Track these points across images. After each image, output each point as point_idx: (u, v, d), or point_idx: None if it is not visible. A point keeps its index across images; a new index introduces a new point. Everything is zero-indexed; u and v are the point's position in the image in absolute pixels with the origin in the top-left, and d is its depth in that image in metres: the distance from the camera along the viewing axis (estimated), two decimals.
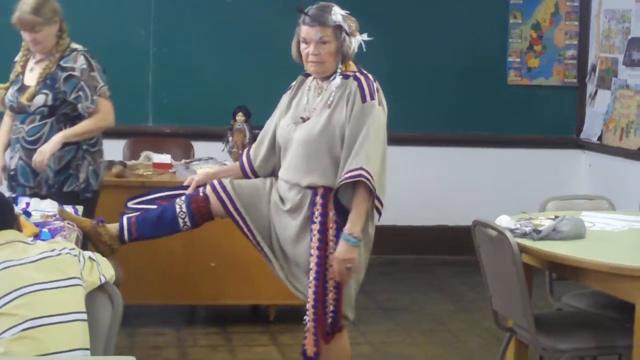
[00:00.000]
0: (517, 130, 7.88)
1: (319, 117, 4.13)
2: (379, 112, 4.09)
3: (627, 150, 7.30)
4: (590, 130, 7.78)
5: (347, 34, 4.11)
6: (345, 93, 4.10)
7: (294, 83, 4.33)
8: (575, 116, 7.94)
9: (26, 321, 2.99)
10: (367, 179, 3.98)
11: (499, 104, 7.85)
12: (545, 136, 7.95)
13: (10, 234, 3.18)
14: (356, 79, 4.12)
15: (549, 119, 7.93)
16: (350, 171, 4.01)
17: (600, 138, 7.66)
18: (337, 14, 4.11)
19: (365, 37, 4.19)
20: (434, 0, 7.68)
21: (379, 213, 4.13)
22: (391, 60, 7.51)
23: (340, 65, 4.14)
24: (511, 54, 7.83)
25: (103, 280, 3.29)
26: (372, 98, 4.08)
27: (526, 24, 7.83)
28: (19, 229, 3.28)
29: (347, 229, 4.04)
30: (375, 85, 4.14)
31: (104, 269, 3.33)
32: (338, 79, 4.13)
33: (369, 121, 4.05)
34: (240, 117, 5.94)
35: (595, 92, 7.76)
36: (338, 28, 4.10)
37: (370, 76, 4.17)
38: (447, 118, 7.77)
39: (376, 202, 4.06)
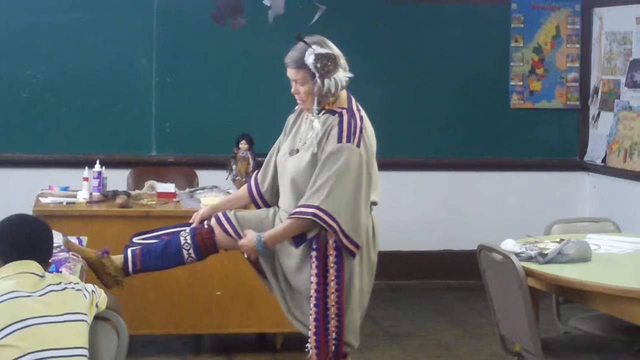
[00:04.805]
0: (520, 154, 7.87)
1: (305, 152, 4.18)
2: (351, 155, 4.07)
3: (632, 172, 7.29)
4: (594, 152, 7.78)
5: (320, 75, 4.10)
6: (327, 130, 4.13)
7: (297, 107, 4.38)
8: (578, 138, 7.94)
9: (28, 354, 2.98)
10: (321, 219, 4.02)
11: (502, 128, 7.85)
12: (549, 159, 7.94)
13: (27, 264, 3.17)
14: (340, 116, 4.13)
15: (552, 142, 7.92)
16: (305, 207, 4.06)
17: (604, 160, 7.65)
18: (311, 54, 4.11)
19: (347, 74, 4.18)
20: (435, 24, 7.69)
21: (353, 255, 4.12)
22: (393, 85, 7.53)
23: (315, 107, 4.14)
24: (513, 77, 7.84)
25: (95, 311, 3.29)
26: (349, 140, 4.08)
27: (527, 47, 7.85)
28: (45, 263, 3.25)
29: (265, 235, 4.14)
30: (360, 125, 4.13)
31: (100, 300, 3.33)
32: (317, 123, 4.15)
33: (338, 163, 4.06)
34: (243, 145, 5.95)
35: (598, 114, 7.76)
36: (310, 70, 4.12)
37: (357, 114, 4.16)
38: (450, 142, 7.77)
39: (346, 242, 4.06)
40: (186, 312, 5.65)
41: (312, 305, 4.10)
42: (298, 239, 4.16)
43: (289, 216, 4.13)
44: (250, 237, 4.20)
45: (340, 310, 4.09)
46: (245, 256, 4.29)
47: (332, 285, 4.08)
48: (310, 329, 4.12)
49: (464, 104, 7.76)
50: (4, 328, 2.98)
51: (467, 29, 7.73)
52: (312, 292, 4.09)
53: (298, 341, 5.67)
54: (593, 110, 7.84)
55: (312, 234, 4.12)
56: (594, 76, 7.84)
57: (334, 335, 4.11)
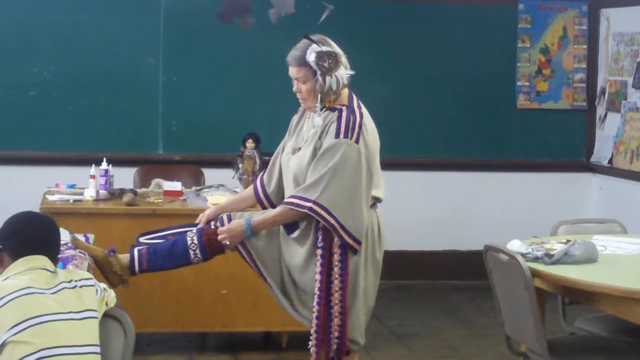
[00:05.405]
0: (527, 154, 7.87)
1: (306, 150, 4.19)
2: (348, 151, 4.08)
3: (638, 173, 7.28)
4: (601, 153, 7.78)
5: (322, 73, 4.11)
6: (327, 126, 4.14)
7: (301, 107, 4.39)
8: (585, 139, 7.93)
9: (40, 350, 3.00)
10: (317, 214, 4.04)
11: (509, 128, 7.85)
12: (555, 160, 7.93)
13: (37, 260, 3.18)
14: (340, 113, 4.14)
15: (558, 143, 7.92)
16: (302, 199, 4.06)
17: (610, 161, 7.65)
18: (312, 52, 4.12)
19: (348, 72, 4.19)
20: (442, 24, 7.69)
21: (354, 252, 4.12)
22: (399, 85, 7.52)
23: (318, 104, 4.15)
24: (520, 78, 7.83)
25: (104, 309, 3.31)
26: (346, 136, 4.09)
27: (535, 48, 7.84)
28: (53, 260, 3.26)
29: (254, 219, 4.17)
30: (359, 121, 4.13)
31: (110, 299, 3.35)
32: (318, 119, 4.16)
33: (335, 158, 4.07)
34: (250, 143, 5.95)
35: (605, 115, 7.76)
36: (312, 68, 4.12)
37: (358, 111, 4.16)
38: (457, 143, 7.77)
39: (347, 237, 4.06)
40: (192, 311, 5.66)
41: (314, 303, 4.11)
42: (290, 226, 4.18)
43: (283, 204, 4.14)
44: (236, 223, 4.21)
45: (344, 309, 4.10)
46: (227, 243, 4.27)
47: (336, 284, 4.09)
48: (311, 327, 4.13)
49: (470, 105, 7.76)
50: (18, 324, 2.99)
51: (474, 29, 7.73)
52: (316, 291, 4.10)
53: (303, 340, 5.66)
54: (600, 111, 7.84)
55: (304, 222, 4.13)
56: (600, 77, 7.84)
57: (337, 334, 4.12)
